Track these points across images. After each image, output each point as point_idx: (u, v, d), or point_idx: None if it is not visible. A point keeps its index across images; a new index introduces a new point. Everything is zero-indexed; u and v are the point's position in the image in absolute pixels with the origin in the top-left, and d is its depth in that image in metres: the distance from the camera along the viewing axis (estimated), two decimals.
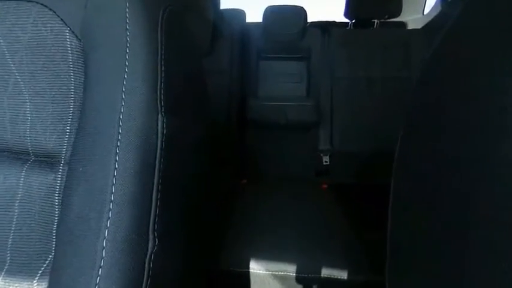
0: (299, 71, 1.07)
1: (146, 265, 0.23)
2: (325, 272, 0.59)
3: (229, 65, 1.01)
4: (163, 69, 0.24)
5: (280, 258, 0.60)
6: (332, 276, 0.58)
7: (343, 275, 0.58)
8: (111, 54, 0.23)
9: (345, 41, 1.04)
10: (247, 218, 0.75)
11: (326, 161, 1.03)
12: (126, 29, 0.23)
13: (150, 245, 0.23)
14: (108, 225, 0.21)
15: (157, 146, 0.24)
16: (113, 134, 0.22)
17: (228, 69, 1.01)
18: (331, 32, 1.06)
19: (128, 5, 0.23)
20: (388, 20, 1.08)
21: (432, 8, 1.26)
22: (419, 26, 1.18)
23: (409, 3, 1.25)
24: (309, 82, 1.06)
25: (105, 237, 0.21)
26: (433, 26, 1.12)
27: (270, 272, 0.59)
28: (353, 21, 1.12)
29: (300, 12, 1.02)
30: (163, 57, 0.24)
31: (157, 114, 0.24)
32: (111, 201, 0.21)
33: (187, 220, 0.32)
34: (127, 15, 0.23)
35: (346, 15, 1.09)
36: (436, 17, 1.17)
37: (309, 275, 0.59)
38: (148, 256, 0.23)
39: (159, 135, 0.24)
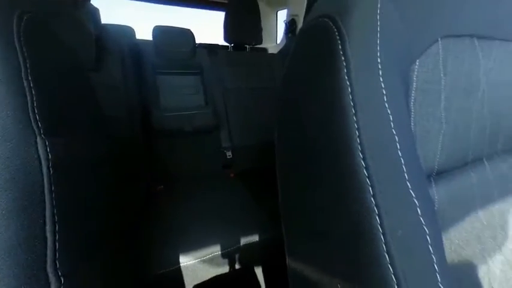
0: (195, 84, 1.16)
1: None
2: (243, 241, 0.68)
3: (123, 80, 0.95)
4: (32, 86, 0.20)
5: (205, 243, 0.65)
6: (248, 242, 0.68)
7: (255, 238, 0.69)
8: None
9: (228, 60, 1.21)
10: (168, 219, 0.77)
11: (229, 155, 1.16)
12: None
13: (54, 286, 0.20)
14: None
15: (42, 173, 0.20)
16: None
17: (123, 84, 0.94)
18: (216, 52, 1.21)
19: None
20: (255, 46, 1.31)
21: (281, 39, 1.62)
22: (276, 51, 1.48)
23: (266, 35, 1.51)
24: (206, 93, 1.16)
25: None
26: (283, 52, 1.42)
27: (199, 259, 0.63)
28: (232, 44, 1.31)
29: (188, 33, 1.11)
30: (29, 72, 0.21)
31: (35, 137, 0.20)
32: None
33: (102, 240, 0.29)
34: None
35: (225, 39, 1.27)
36: (283, 46, 1.48)
37: (231, 248, 0.66)
38: None
39: (43, 160, 0.20)
